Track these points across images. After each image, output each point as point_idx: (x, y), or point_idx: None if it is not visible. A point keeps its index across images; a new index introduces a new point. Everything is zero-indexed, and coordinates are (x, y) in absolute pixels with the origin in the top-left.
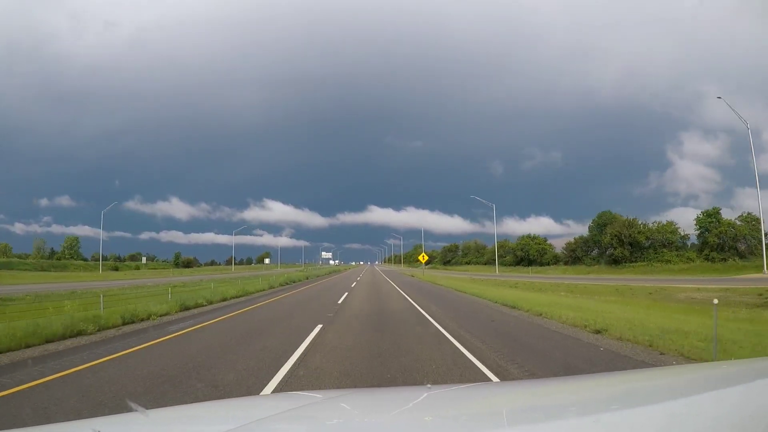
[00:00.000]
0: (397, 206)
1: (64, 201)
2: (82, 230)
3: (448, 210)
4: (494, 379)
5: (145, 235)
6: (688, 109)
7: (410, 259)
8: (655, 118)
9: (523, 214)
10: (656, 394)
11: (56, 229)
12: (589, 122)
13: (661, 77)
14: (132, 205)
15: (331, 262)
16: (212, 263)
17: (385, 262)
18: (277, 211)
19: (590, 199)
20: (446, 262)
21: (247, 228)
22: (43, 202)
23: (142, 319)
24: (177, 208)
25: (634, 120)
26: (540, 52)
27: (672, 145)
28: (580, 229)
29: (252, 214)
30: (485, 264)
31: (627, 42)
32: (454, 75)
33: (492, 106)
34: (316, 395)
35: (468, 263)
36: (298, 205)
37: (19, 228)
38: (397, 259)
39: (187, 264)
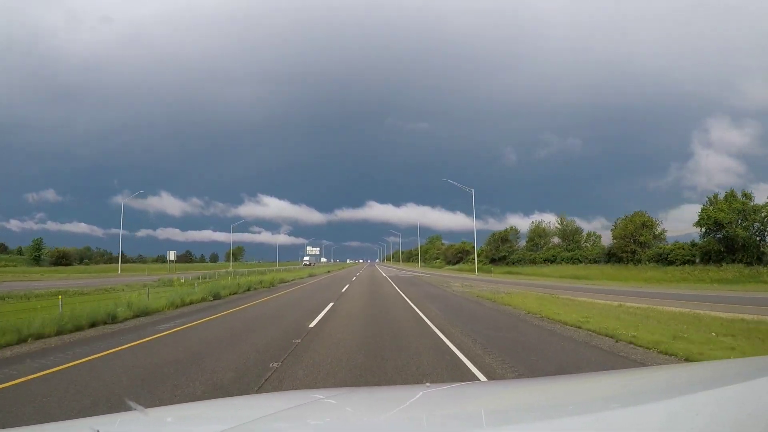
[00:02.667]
0: (397, 202)
1: (60, 198)
2: (78, 227)
3: (450, 207)
4: None
5: (142, 233)
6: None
7: (425, 256)
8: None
9: (527, 211)
10: (656, 392)
11: (51, 226)
12: (599, 116)
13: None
14: (129, 201)
15: (306, 259)
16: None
17: (388, 260)
18: (274, 207)
19: (598, 194)
20: (497, 260)
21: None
22: (39, 198)
23: None
24: (173, 205)
25: (647, 113)
26: (544, 50)
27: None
28: (586, 226)
29: (252, 210)
30: (592, 262)
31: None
32: (457, 69)
33: (495, 101)
34: (315, 394)
35: (551, 260)
36: (294, 201)
37: (15, 225)
38: (406, 257)
39: (60, 260)
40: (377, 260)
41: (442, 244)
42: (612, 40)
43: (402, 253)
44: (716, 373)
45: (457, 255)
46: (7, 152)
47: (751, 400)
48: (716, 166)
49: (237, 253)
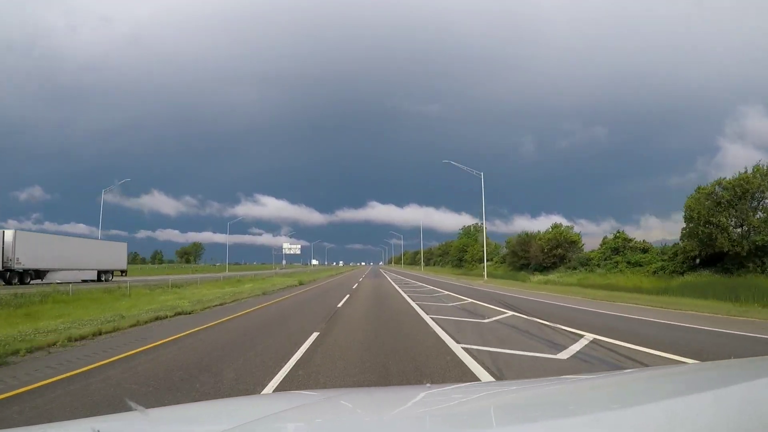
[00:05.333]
0: (400, 202)
1: (58, 198)
2: (76, 228)
3: (455, 207)
4: None
5: (141, 234)
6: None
7: (468, 257)
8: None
9: (534, 213)
10: (656, 393)
11: (49, 226)
12: (616, 113)
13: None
14: (127, 203)
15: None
16: None
17: (396, 263)
18: (272, 207)
19: (609, 194)
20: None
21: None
22: (36, 199)
23: None
24: (172, 206)
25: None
26: (555, 49)
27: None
28: (595, 229)
29: (249, 210)
30: None
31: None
32: (462, 69)
33: (502, 102)
34: (316, 394)
35: None
36: (294, 200)
37: (12, 226)
38: (423, 258)
39: None
40: (381, 263)
41: (489, 239)
42: (628, 36)
43: (407, 254)
44: (718, 373)
45: (550, 255)
46: (4, 152)
47: (753, 401)
48: (742, 160)
49: (192, 251)
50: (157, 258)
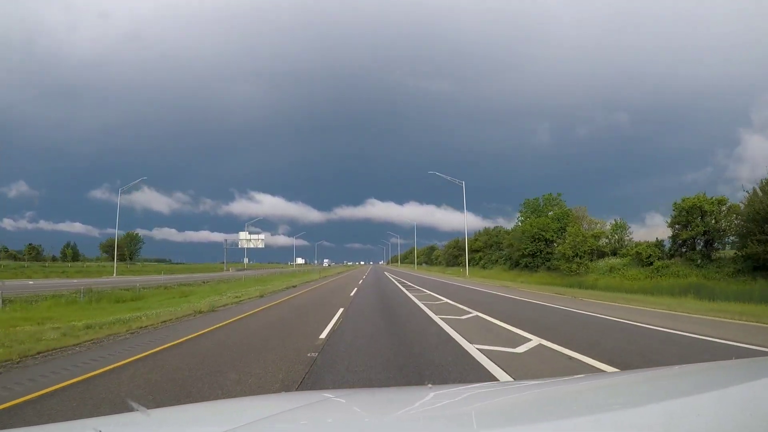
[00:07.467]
0: (400, 200)
1: (54, 196)
2: (72, 227)
3: (458, 205)
4: None
5: (139, 233)
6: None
7: (566, 250)
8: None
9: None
10: (656, 394)
11: (45, 225)
12: (631, 108)
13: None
14: (123, 201)
15: (247, 259)
16: None
17: (400, 261)
18: (267, 204)
19: (613, 191)
20: None
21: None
22: (30, 197)
23: None
24: (172, 205)
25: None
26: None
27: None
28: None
29: (245, 208)
30: None
31: None
32: (465, 67)
33: (499, 100)
34: (318, 395)
35: None
36: (290, 198)
37: (8, 224)
38: (448, 258)
39: None
40: (382, 262)
41: (592, 220)
42: (635, 35)
43: (418, 251)
44: (718, 374)
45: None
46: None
47: (754, 401)
48: (762, 153)
49: (125, 245)
50: (68, 253)
